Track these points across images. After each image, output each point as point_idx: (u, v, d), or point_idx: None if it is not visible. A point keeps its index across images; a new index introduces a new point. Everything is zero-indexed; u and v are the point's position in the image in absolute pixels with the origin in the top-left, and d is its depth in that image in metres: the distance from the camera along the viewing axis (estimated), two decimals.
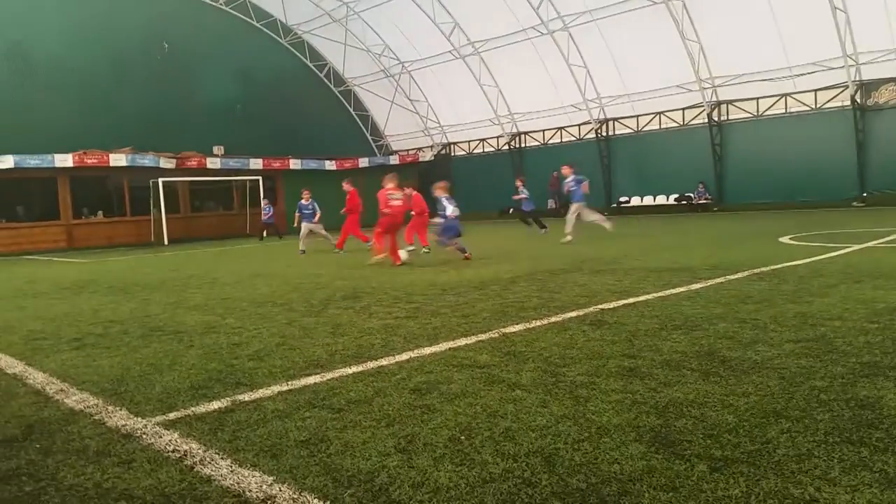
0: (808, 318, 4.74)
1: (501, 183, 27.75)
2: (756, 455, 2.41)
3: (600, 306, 5.74)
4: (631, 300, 5.99)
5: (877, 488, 2.11)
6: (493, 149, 32.38)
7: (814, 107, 22.73)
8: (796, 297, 5.63)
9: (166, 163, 25.96)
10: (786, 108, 23.37)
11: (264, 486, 2.38)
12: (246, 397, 3.51)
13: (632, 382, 3.41)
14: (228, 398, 3.51)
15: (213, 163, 27.61)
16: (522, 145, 31.13)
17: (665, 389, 3.25)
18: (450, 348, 4.45)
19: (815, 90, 22.45)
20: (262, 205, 25.49)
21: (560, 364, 3.88)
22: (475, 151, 33.34)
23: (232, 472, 2.53)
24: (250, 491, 2.35)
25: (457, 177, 32.20)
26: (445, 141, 34.06)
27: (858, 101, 21.54)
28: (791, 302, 5.40)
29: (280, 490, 2.34)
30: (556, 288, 7.08)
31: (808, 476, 2.22)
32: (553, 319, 5.32)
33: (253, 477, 2.47)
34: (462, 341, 4.64)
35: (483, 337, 4.75)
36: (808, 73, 22.06)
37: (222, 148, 28.64)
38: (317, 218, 15.91)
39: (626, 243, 13.00)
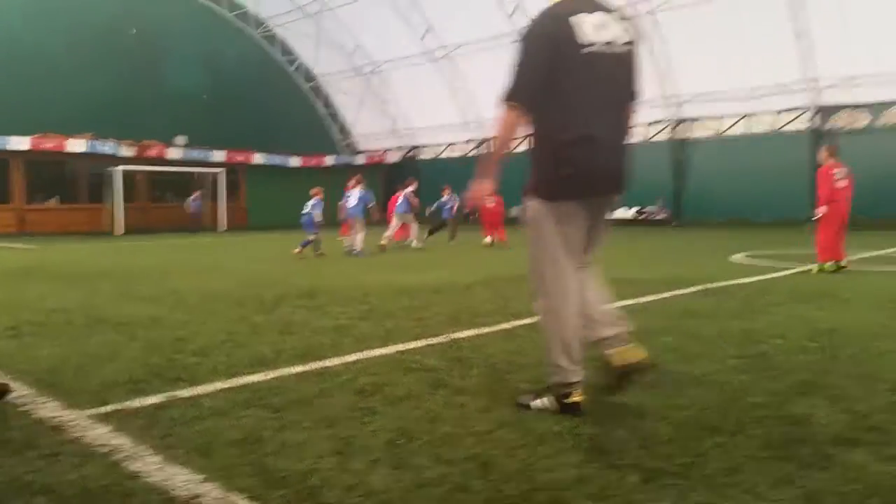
0: (752, 334, 4.83)
1: (467, 188, 27.83)
2: (688, 467, 2.45)
3: None
4: None
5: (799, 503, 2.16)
6: (461, 154, 32.44)
7: (774, 128, 23.30)
8: (742, 313, 5.75)
9: (126, 151, 25.44)
10: (747, 129, 23.91)
11: (191, 485, 2.32)
12: (184, 393, 3.43)
13: None
14: (166, 394, 3.43)
15: (174, 153, 27.14)
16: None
17: (606, 399, 3.28)
18: (399, 351, 4.43)
19: (776, 112, 23.02)
20: (193, 196, 25.09)
21: (506, 370, 3.89)
22: (443, 156, 33.37)
23: (160, 468, 2.47)
24: (176, 489, 2.30)
25: (423, 180, 32.14)
26: (414, 143, 34.02)
27: (817, 124, 22.15)
28: (736, 318, 5.51)
29: (208, 489, 2.29)
30: (511, 295, 7.11)
31: (736, 490, 2.26)
32: (504, 326, 5.34)
33: (181, 475, 2.41)
34: (413, 344, 4.63)
35: (434, 341, 4.74)
36: (770, 95, 22.61)
37: (185, 138, 28.16)
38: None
39: None
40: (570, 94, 2.90)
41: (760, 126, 23.64)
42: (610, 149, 3.00)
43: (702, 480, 2.33)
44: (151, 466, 2.49)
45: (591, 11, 2.90)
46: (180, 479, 2.38)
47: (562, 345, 3.06)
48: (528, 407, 3.12)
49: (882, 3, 18.97)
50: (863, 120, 21.66)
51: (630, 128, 3.15)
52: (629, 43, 2.99)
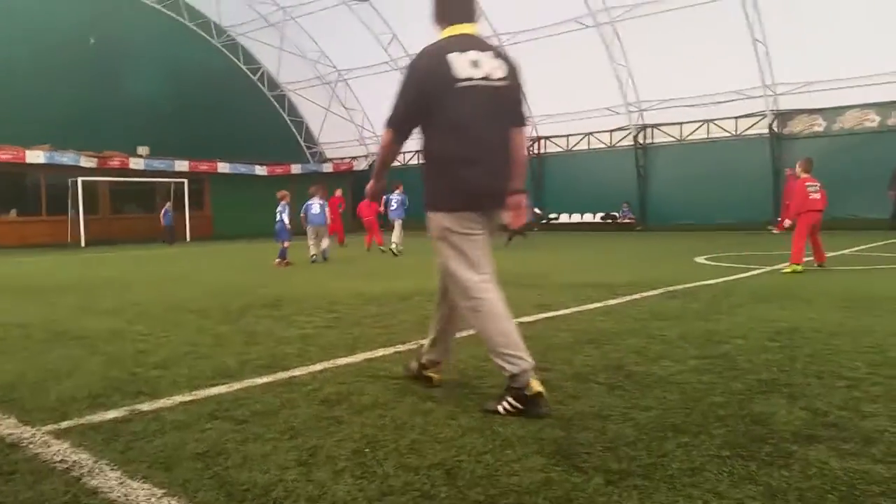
0: (714, 335, 4.91)
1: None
2: (651, 468, 2.47)
3: (520, 319, 5.76)
4: (550, 314, 6.08)
5: (760, 501, 2.19)
6: None
7: (734, 133, 23.77)
8: (705, 315, 5.84)
9: (87, 161, 24.95)
10: (707, 134, 24.36)
11: (153, 500, 2.28)
12: (145, 407, 3.37)
13: None
14: (127, 408, 3.36)
15: (136, 163, 26.69)
16: None
17: (571, 402, 3.30)
18: (366, 359, 4.40)
19: (736, 117, 23.50)
20: (166, 207, 24.81)
21: (474, 376, 3.89)
22: (410, 163, 33.37)
23: (120, 484, 2.42)
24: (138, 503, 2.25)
25: (390, 187, 32.03)
26: None
27: (775, 129, 22.66)
28: (700, 319, 5.60)
29: (168, 503, 2.25)
30: None
31: (699, 489, 2.29)
32: (471, 332, 5.32)
33: (142, 490, 2.36)
34: (380, 352, 4.61)
35: (402, 348, 4.73)
36: (730, 101, 23.07)
37: (147, 148, 27.73)
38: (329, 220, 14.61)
39: (552, 259, 13.26)
40: (449, 122, 3.27)
41: (721, 131, 24.08)
42: (488, 170, 3.30)
43: (665, 481, 2.36)
44: (112, 482, 2.43)
45: (464, 50, 3.27)
46: (141, 494, 2.33)
47: (501, 336, 3.22)
48: (496, 412, 3.17)
49: (835, 11, 19.52)
50: (819, 124, 22.21)
51: (517, 149, 3.42)
52: (505, 77, 3.32)
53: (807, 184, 9.86)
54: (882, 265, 9.91)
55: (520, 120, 3.46)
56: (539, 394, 3.13)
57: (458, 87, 3.22)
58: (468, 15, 3.40)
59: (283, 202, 13.56)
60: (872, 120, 21.08)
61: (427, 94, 3.27)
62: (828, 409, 3.12)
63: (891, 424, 2.89)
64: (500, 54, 3.38)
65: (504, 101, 3.33)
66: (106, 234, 25.57)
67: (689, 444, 2.72)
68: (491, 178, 3.32)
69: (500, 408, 3.16)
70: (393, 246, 15.47)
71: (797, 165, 10.24)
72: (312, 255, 13.71)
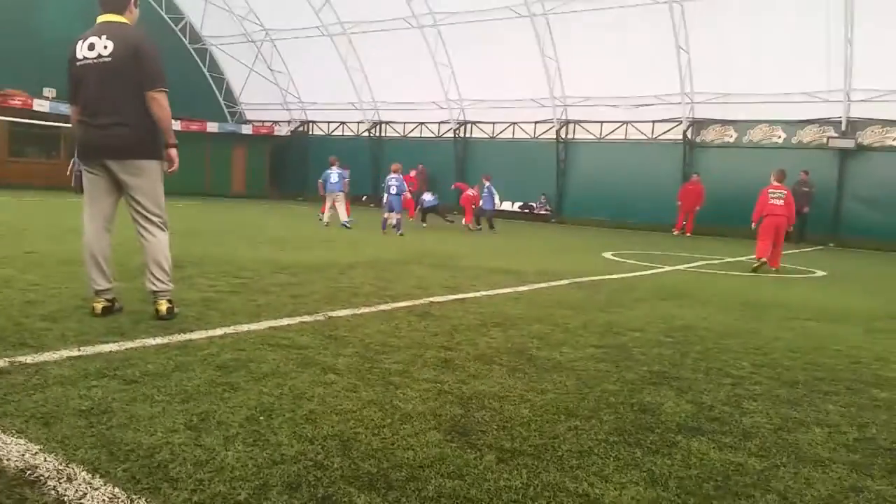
0: (614, 326, 5.09)
1: (359, 168, 27.55)
2: (542, 449, 2.54)
3: (430, 299, 5.82)
4: (461, 296, 6.13)
5: (642, 486, 2.28)
6: (352, 133, 32.00)
7: (650, 137, 24.58)
8: (607, 307, 6.04)
9: None
10: (625, 135, 25.08)
11: (27, 455, 2.16)
12: (28, 359, 3.18)
13: (444, 373, 3.47)
14: (7, 358, 3.16)
15: (41, 105, 24.99)
16: (382, 134, 31.04)
17: (473, 381, 3.35)
18: (270, 327, 4.31)
19: (654, 122, 24.28)
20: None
21: (379, 351, 3.88)
22: (334, 133, 32.79)
23: None
24: (9, 459, 2.12)
25: (312, 157, 31.49)
26: (304, 118, 33.19)
27: (689, 136, 23.58)
28: (601, 311, 5.78)
29: (45, 460, 2.13)
30: (392, 277, 7.11)
31: (585, 472, 2.36)
32: (382, 307, 5.32)
33: (15, 445, 2.23)
34: (285, 321, 4.52)
35: (308, 318, 4.66)
36: (649, 105, 23.81)
37: (54, 91, 26.01)
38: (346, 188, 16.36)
39: (468, 243, 13.36)
40: (78, 95, 4.35)
41: (639, 134, 24.84)
42: (98, 128, 4.24)
43: (554, 461, 2.43)
44: None
45: (86, 38, 4.28)
46: (14, 449, 2.20)
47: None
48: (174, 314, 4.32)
49: (756, 28, 20.42)
50: (730, 135, 23.26)
51: (134, 112, 4.24)
52: (114, 52, 4.18)
53: (770, 190, 10.97)
54: (776, 274, 10.52)
55: (145, 81, 4.21)
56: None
57: (77, 66, 4.26)
58: (105, 6, 4.36)
59: (395, 174, 14.77)
60: (779, 136, 22.26)
61: (69, 73, 4.35)
62: (712, 403, 3.29)
63: (767, 421, 3.07)
64: (119, 36, 4.22)
65: (118, 72, 4.17)
66: (3, 176, 23.90)
67: (579, 427, 2.80)
68: (98, 135, 4.23)
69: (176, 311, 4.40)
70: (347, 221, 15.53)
71: (771, 173, 11.37)
72: (347, 220, 15.15)
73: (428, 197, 19.04)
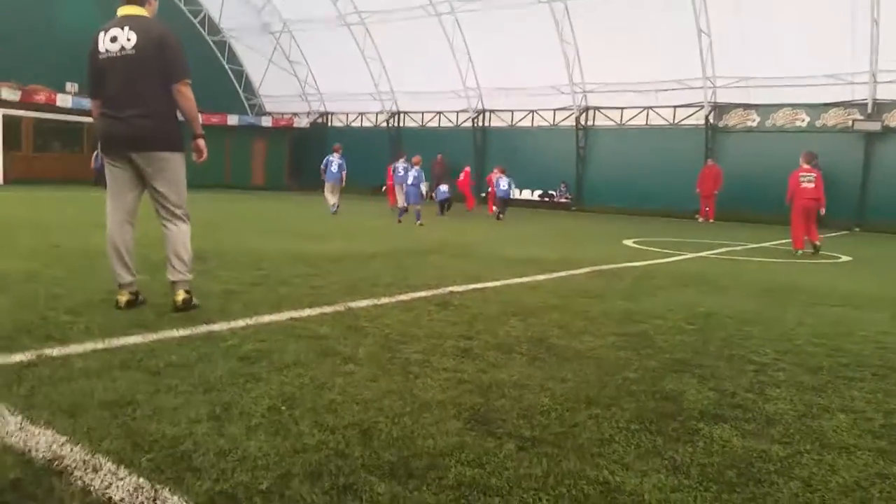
0: (634, 314, 5.06)
1: (377, 159, 27.54)
2: (562, 437, 2.53)
3: (450, 288, 5.83)
4: (480, 285, 6.13)
5: (663, 474, 2.27)
6: (371, 124, 32.02)
7: (672, 122, 24.30)
8: (628, 294, 6.00)
9: (9, 93, 23.51)
10: (646, 121, 24.82)
11: (54, 446, 2.20)
12: (55, 352, 3.24)
13: (463, 362, 3.48)
14: (34, 351, 3.22)
15: (64, 100, 25.32)
16: (401, 124, 31.02)
17: (492, 370, 3.35)
18: (291, 318, 4.35)
19: (675, 107, 24.00)
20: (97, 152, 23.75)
21: (399, 341, 3.89)
22: (353, 124, 32.84)
23: (20, 429, 2.32)
24: (37, 450, 2.17)
25: (331, 149, 31.55)
26: (323, 109, 33.27)
27: (711, 121, 23.28)
28: (622, 299, 5.75)
29: (71, 450, 2.17)
30: (411, 267, 7.13)
31: (606, 460, 2.36)
32: (402, 297, 5.34)
33: (43, 436, 2.28)
34: (306, 312, 4.55)
35: (328, 309, 4.68)
36: (670, 90, 23.52)
37: (76, 85, 26.32)
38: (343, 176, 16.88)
39: (488, 233, 13.35)
40: (100, 87, 4.34)
41: (660, 119, 24.57)
42: (121, 121, 4.24)
43: (574, 450, 2.42)
44: (10, 426, 2.34)
45: (108, 31, 4.27)
46: (42, 440, 2.24)
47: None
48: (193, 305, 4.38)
49: (778, 11, 20.06)
50: (753, 119, 22.93)
51: (158, 103, 4.30)
52: (137, 45, 4.19)
53: (801, 174, 11.05)
54: (801, 259, 10.39)
55: (170, 73, 4.27)
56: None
57: (100, 59, 4.26)
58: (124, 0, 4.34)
59: (416, 167, 15.29)
60: (802, 119, 21.90)
61: (90, 65, 4.34)
62: (735, 390, 3.26)
63: (791, 408, 3.04)
64: (142, 28, 4.23)
65: (141, 64, 4.19)
66: (27, 172, 24.28)
67: (600, 416, 2.80)
68: (121, 128, 4.25)
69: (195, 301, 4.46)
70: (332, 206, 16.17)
71: (801, 155, 11.39)
72: (332, 205, 15.81)
73: (443, 188, 19.29)
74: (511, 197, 20.56)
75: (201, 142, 4.51)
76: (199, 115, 4.66)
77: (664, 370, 3.55)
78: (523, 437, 2.50)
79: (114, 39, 4.22)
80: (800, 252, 10.86)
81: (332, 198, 16.14)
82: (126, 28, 4.22)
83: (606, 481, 2.19)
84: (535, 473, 2.21)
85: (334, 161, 16.49)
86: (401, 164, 16.97)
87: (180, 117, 4.43)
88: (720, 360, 3.83)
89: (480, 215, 19.40)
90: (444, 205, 18.89)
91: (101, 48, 4.25)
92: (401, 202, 15.82)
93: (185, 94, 4.32)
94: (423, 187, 15.74)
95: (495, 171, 20.31)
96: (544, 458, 2.32)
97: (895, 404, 3.18)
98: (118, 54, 4.21)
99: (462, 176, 22.99)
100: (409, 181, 15.06)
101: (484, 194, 24.44)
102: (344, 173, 16.77)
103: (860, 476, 2.34)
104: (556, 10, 23.72)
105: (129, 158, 4.31)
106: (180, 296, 4.33)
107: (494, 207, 19.53)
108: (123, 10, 4.34)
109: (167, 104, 4.31)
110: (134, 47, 4.19)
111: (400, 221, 14.39)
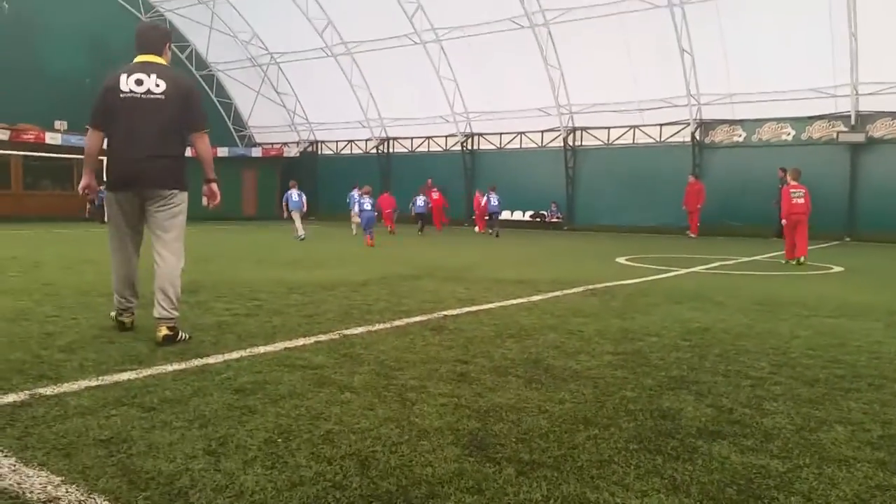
0: (629, 332, 5.06)
1: (369, 186, 27.58)
2: (561, 460, 2.52)
3: (444, 312, 5.83)
4: (474, 308, 6.13)
5: (664, 494, 2.26)
6: (361, 151, 32.17)
7: (658, 140, 24.53)
8: (622, 313, 6.01)
9: None
10: (633, 139, 25.04)
11: (49, 487, 2.17)
12: (48, 391, 3.21)
13: (460, 387, 3.47)
14: (27, 391, 3.19)
15: (53, 138, 25.38)
16: (390, 150, 31.18)
17: (489, 394, 3.34)
18: (286, 348, 4.33)
19: (661, 125, 24.24)
20: (101, 187, 23.79)
21: (395, 367, 3.88)
22: (343, 152, 33.00)
23: (14, 471, 2.29)
24: (32, 492, 2.14)
25: (322, 176, 31.74)
26: (312, 138, 33.43)
27: (697, 138, 23.50)
28: (617, 317, 5.76)
29: (66, 491, 2.14)
30: (404, 292, 7.12)
31: (606, 481, 2.34)
32: (396, 323, 5.33)
33: (38, 477, 2.25)
34: (300, 341, 4.53)
35: (323, 338, 4.67)
36: (656, 109, 23.78)
37: (65, 123, 26.38)
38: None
39: (480, 254, 13.37)
40: (114, 125, 4.49)
41: (646, 137, 24.80)
42: (137, 160, 4.44)
43: (574, 472, 2.41)
44: (4, 469, 2.31)
45: (131, 73, 4.45)
46: (37, 481, 2.22)
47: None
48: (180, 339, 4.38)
49: (757, 28, 20.38)
50: (739, 135, 23.16)
51: (174, 146, 4.58)
52: (166, 91, 4.45)
53: (791, 190, 11.43)
54: (790, 271, 10.44)
55: (190, 122, 4.61)
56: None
57: (121, 98, 4.41)
58: (144, 49, 4.58)
59: (366, 196, 16.70)
60: (788, 133, 22.15)
61: (104, 103, 4.48)
62: (732, 406, 3.26)
63: (789, 422, 3.04)
64: (169, 76, 4.51)
65: (165, 109, 4.45)
66: (16, 209, 24.25)
67: (598, 436, 2.79)
68: (133, 168, 4.44)
69: (182, 335, 4.44)
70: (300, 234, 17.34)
71: (788, 172, 11.96)
72: (299, 235, 16.95)
73: (419, 202, 20.21)
74: (500, 213, 21.83)
75: (214, 186, 4.77)
76: (190, 149, 4.73)
77: (661, 388, 3.55)
78: (522, 461, 2.48)
79: (139, 82, 4.43)
80: (792, 262, 11.30)
81: (300, 228, 17.36)
82: (153, 75, 4.45)
83: (607, 503, 2.18)
84: (534, 498, 2.20)
85: (294, 193, 17.95)
86: (356, 193, 18.60)
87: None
88: (717, 376, 3.83)
89: (470, 236, 19.43)
90: (421, 222, 20.59)
91: (124, 87, 4.42)
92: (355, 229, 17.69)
93: (205, 141, 4.70)
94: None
95: (489, 190, 21.53)
96: (544, 482, 2.31)
97: (892, 415, 3.18)
98: (142, 96, 4.42)
99: (436, 195, 23.67)
100: (367, 206, 16.42)
101: (473, 216, 24.89)
102: (304, 200, 18.33)
103: (860, 489, 2.34)
104: (540, 34, 24.02)
105: (139, 195, 4.50)
106: (162, 332, 4.33)
107: (487, 227, 20.08)
108: (145, 58, 4.56)
109: (181, 147, 4.62)
110: (163, 93, 4.44)
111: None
